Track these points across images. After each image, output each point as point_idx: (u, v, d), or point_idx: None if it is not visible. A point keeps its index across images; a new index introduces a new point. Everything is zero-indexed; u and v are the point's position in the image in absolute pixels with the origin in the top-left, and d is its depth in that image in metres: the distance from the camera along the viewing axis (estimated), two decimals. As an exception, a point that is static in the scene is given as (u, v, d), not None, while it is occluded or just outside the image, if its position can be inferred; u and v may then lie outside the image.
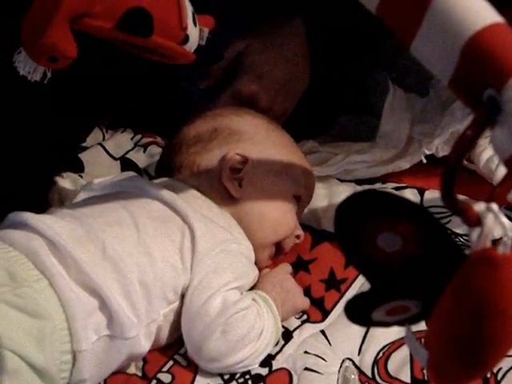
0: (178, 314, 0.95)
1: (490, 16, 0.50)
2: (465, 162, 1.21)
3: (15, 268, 0.87)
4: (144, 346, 0.92)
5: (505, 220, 0.48)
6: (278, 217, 1.08)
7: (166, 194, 1.01)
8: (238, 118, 1.12)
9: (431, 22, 0.52)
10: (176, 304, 0.95)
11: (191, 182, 1.07)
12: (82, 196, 1.06)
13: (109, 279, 0.89)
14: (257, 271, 1.02)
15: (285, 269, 1.07)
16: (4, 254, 0.88)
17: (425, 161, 1.21)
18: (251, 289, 1.02)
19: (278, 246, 1.09)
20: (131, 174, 1.11)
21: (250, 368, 0.95)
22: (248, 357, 0.94)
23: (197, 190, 1.05)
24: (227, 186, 1.05)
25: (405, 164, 1.24)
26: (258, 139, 1.10)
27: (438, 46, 0.51)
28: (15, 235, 0.91)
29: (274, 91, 1.21)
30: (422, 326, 0.59)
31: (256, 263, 1.06)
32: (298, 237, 1.11)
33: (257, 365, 0.96)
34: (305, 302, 1.04)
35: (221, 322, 0.92)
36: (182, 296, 0.95)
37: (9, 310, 0.83)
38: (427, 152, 1.21)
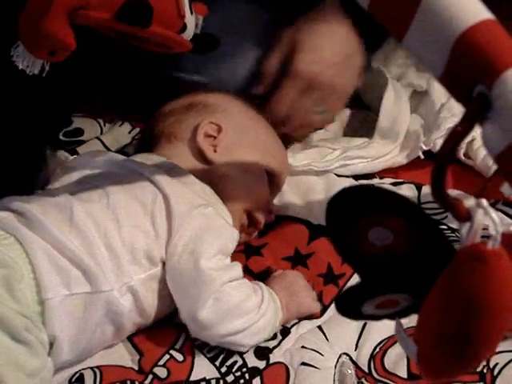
0: (162, 282, 0.96)
1: (481, 12, 0.50)
2: (462, 158, 1.21)
3: None
4: (121, 304, 0.92)
5: (494, 215, 0.48)
6: (250, 185, 1.10)
7: (139, 164, 1.04)
8: (213, 94, 1.16)
9: (423, 18, 0.52)
10: (155, 271, 0.95)
11: (168, 153, 1.09)
12: (58, 176, 1.07)
13: (76, 243, 0.90)
14: (237, 232, 1.02)
15: (295, 273, 1.07)
16: None
17: (422, 156, 1.22)
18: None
19: (251, 218, 1.11)
20: (108, 152, 1.12)
21: (240, 346, 0.96)
22: (240, 330, 0.94)
23: (173, 161, 1.07)
24: (203, 147, 1.08)
25: (402, 159, 1.25)
26: (232, 112, 1.14)
27: (430, 41, 0.52)
28: None
29: (333, 71, 1.20)
30: (414, 321, 0.59)
31: None
32: (270, 212, 1.13)
33: (248, 347, 0.96)
34: (312, 307, 1.03)
35: (214, 289, 0.92)
36: (163, 264, 0.96)
37: None
38: (424, 147, 1.21)
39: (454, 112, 1.19)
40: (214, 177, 1.07)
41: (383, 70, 1.32)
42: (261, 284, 1.00)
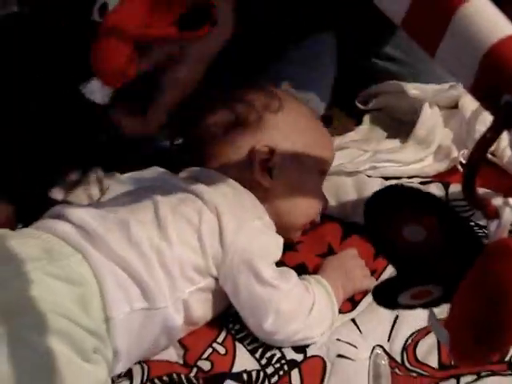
0: (210, 293, 0.99)
1: (507, 28, 0.53)
2: (489, 156, 1.22)
3: (51, 246, 0.91)
4: (175, 319, 0.95)
5: (521, 213, 0.52)
6: (308, 201, 1.11)
7: (190, 182, 1.04)
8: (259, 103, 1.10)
9: (453, 33, 0.53)
10: (203, 284, 0.98)
11: (222, 172, 1.07)
12: (111, 191, 1.10)
13: (135, 260, 0.93)
14: (282, 239, 1.05)
15: (349, 252, 1.11)
16: (38, 236, 0.93)
17: (461, 169, 1.23)
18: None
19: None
20: (159, 169, 1.12)
21: (310, 340, 1.00)
22: (303, 328, 0.98)
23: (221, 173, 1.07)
24: (260, 180, 1.06)
25: (429, 171, 1.26)
26: (281, 124, 1.10)
27: (460, 55, 0.54)
28: (50, 224, 0.96)
29: None
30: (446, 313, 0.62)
31: (289, 239, 1.11)
32: (324, 205, 1.15)
33: (317, 337, 1.00)
34: (364, 283, 1.07)
35: (273, 307, 0.97)
36: (210, 275, 0.99)
37: (49, 279, 0.87)
38: (463, 161, 1.23)
39: (487, 125, 1.22)
40: (270, 200, 1.08)
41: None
42: (309, 278, 1.03)
